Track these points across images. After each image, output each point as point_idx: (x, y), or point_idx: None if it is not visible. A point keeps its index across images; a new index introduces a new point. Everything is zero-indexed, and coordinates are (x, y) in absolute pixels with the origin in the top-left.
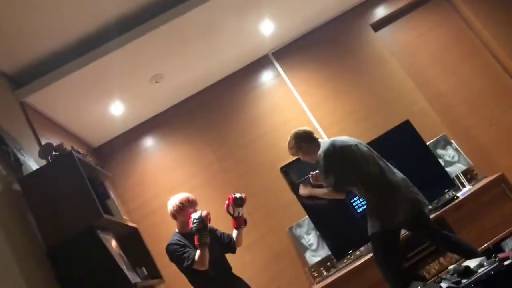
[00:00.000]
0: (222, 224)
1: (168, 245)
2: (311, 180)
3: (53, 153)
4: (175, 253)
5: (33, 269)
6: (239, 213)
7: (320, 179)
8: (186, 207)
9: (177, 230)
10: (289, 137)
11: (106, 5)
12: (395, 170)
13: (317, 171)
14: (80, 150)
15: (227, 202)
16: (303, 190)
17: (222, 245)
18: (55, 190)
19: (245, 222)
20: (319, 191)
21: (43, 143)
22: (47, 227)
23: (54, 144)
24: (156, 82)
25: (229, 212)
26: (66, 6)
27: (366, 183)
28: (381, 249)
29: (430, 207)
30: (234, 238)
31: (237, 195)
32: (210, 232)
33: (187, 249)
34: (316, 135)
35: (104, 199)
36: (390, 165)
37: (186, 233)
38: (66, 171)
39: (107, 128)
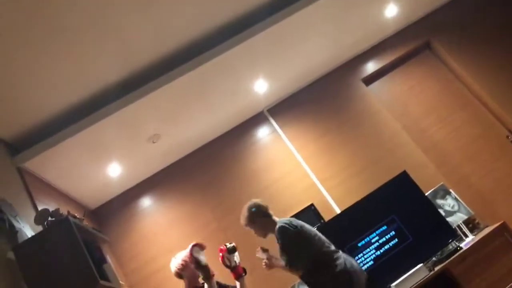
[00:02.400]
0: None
1: None
2: (264, 266)
3: (49, 218)
4: None
5: None
6: (235, 262)
7: (272, 263)
8: (190, 263)
9: None
10: (244, 209)
11: (103, 71)
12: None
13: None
14: (76, 214)
15: (220, 254)
16: (261, 256)
17: None
18: (50, 257)
19: (244, 270)
20: (277, 263)
21: (39, 208)
22: None
23: (51, 210)
24: (153, 142)
25: (225, 264)
26: (63, 73)
27: (321, 265)
28: None
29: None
30: None
31: (227, 244)
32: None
33: None
34: (270, 212)
35: (101, 263)
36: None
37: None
38: (62, 237)
39: (104, 190)
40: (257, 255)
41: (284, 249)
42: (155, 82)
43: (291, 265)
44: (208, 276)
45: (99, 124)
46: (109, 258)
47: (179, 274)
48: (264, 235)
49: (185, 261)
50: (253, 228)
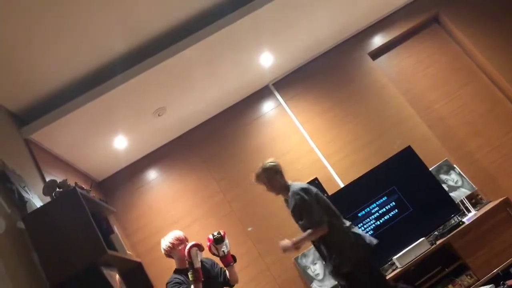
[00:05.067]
0: None
1: (167, 284)
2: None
3: (57, 189)
4: None
5: None
6: (223, 251)
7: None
8: (176, 245)
9: (176, 267)
10: (259, 168)
11: (110, 42)
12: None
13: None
14: (84, 186)
15: (208, 243)
16: (285, 247)
17: (222, 281)
18: (59, 227)
19: (234, 258)
20: (302, 237)
21: (47, 179)
22: (51, 265)
23: (58, 181)
24: (159, 115)
25: (213, 253)
26: (70, 45)
27: (336, 223)
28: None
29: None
30: (228, 277)
31: (215, 233)
32: (211, 267)
33: (183, 286)
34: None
35: (108, 234)
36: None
37: (185, 269)
38: (70, 208)
39: (110, 162)
40: (283, 249)
41: (306, 209)
42: (160, 55)
43: (318, 221)
44: (197, 279)
45: (105, 96)
46: (116, 229)
47: (168, 255)
48: (276, 193)
49: (172, 243)
50: (266, 185)
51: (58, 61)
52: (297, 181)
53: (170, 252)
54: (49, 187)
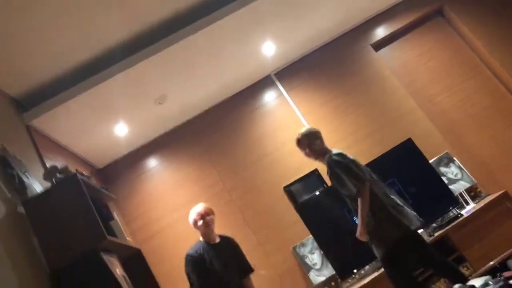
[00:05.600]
0: None
1: (186, 255)
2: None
3: (58, 175)
4: (187, 268)
5: None
6: None
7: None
8: (197, 220)
9: (201, 239)
10: (302, 132)
11: (111, 29)
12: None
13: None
14: (84, 172)
15: None
16: (361, 236)
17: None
18: (59, 212)
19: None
20: (360, 217)
21: (47, 165)
22: (51, 250)
23: (59, 167)
24: (160, 103)
25: None
26: (72, 31)
27: (375, 190)
28: (394, 269)
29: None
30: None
31: None
32: (232, 252)
33: (193, 274)
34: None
35: (108, 220)
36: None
37: (208, 242)
38: (70, 193)
39: (111, 149)
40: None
41: (344, 172)
42: (162, 42)
43: (359, 182)
44: None
45: (106, 83)
46: (115, 216)
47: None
48: (315, 158)
49: (194, 219)
50: (306, 149)
51: (59, 47)
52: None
53: (194, 226)
54: (50, 172)
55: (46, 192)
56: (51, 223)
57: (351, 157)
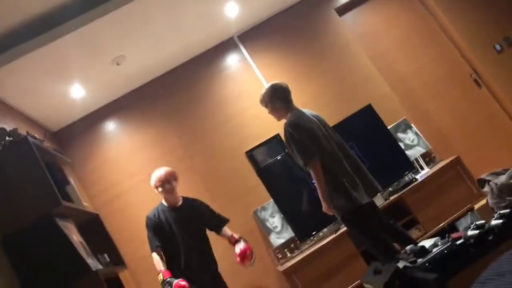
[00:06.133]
0: None
1: (146, 217)
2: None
3: (7, 138)
4: (147, 231)
5: None
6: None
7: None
8: (157, 187)
9: (162, 201)
10: (266, 87)
11: None
12: (354, 155)
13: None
14: (36, 135)
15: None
16: (325, 209)
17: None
18: (9, 177)
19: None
20: (319, 190)
21: None
22: (2, 216)
23: (8, 129)
24: (118, 64)
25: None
26: None
27: (328, 162)
28: (356, 226)
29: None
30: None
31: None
32: (196, 214)
33: (152, 238)
34: (290, 96)
35: (63, 185)
36: (349, 149)
37: (168, 205)
38: (21, 157)
39: (66, 112)
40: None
41: (294, 145)
42: None
43: (308, 157)
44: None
45: (60, 41)
46: (72, 180)
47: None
48: (277, 118)
49: (156, 185)
50: (267, 106)
51: (7, 1)
52: (303, 110)
53: (157, 189)
54: None
55: None
56: (1, 189)
57: (308, 124)
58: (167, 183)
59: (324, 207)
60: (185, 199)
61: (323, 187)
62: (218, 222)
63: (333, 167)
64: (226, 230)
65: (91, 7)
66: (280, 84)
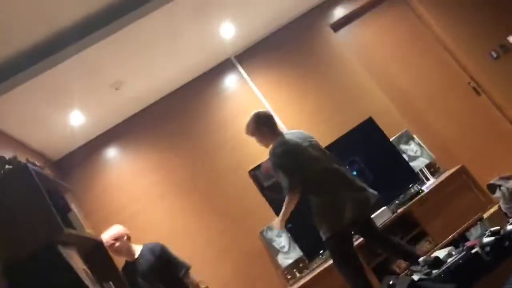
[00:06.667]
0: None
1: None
2: (262, 169)
3: (6, 166)
4: None
5: None
6: None
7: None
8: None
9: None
10: (249, 117)
11: (62, 10)
12: (346, 170)
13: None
14: (36, 162)
15: None
16: (276, 225)
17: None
18: (10, 205)
19: None
20: (282, 212)
21: None
22: (3, 245)
23: (7, 157)
24: (116, 89)
25: None
26: (18, 12)
27: (311, 186)
28: (337, 252)
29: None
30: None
31: None
32: (156, 262)
33: None
34: (275, 122)
35: (65, 212)
36: (341, 164)
37: (128, 261)
38: (22, 185)
39: (66, 140)
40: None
41: (277, 172)
42: (116, 23)
43: (289, 187)
44: None
45: (58, 68)
46: (74, 207)
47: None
48: (266, 146)
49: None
50: (256, 137)
51: (5, 29)
52: (291, 132)
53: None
54: None
55: None
56: (2, 217)
57: (290, 152)
58: (110, 249)
59: (276, 222)
60: (144, 247)
61: (285, 214)
62: (178, 270)
63: (318, 189)
64: (190, 277)
65: (88, 33)
66: (263, 111)
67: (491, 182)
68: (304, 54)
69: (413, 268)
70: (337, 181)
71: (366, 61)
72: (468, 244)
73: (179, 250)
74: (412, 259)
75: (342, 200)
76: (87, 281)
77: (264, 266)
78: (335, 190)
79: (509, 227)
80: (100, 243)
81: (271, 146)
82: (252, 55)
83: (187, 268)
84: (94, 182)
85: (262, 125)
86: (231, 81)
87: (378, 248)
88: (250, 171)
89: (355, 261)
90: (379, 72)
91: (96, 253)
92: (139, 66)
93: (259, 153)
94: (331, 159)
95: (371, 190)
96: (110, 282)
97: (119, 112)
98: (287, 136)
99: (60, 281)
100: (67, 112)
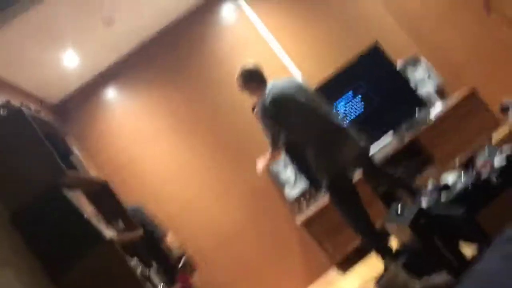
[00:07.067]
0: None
1: None
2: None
3: (0, 112)
4: None
5: None
6: None
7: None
8: None
9: None
10: (238, 71)
11: None
12: (336, 116)
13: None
14: (31, 106)
15: None
16: (258, 170)
17: None
18: (9, 151)
19: None
20: (265, 162)
21: None
22: (7, 192)
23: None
24: (108, 25)
25: None
26: None
27: (301, 135)
28: (338, 197)
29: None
30: None
31: None
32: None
33: None
34: (264, 74)
35: (67, 155)
36: (330, 111)
37: None
38: (18, 129)
39: (62, 82)
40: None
41: (267, 130)
42: None
43: (271, 143)
44: None
45: (45, 3)
46: (76, 150)
47: None
48: (258, 99)
49: None
50: (245, 91)
51: None
52: (279, 81)
53: None
54: None
55: None
56: (2, 165)
57: (274, 107)
58: None
59: (258, 166)
60: None
61: (267, 165)
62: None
63: (308, 139)
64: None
65: None
66: (248, 66)
67: (503, 102)
68: None
69: (422, 193)
70: (327, 129)
71: None
72: (479, 166)
73: (185, 188)
74: (412, 194)
75: (334, 148)
76: (94, 221)
77: (271, 199)
78: (326, 139)
79: None
80: (105, 184)
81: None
82: None
83: (163, 234)
84: (95, 123)
85: (250, 80)
86: (228, 11)
87: (377, 184)
88: (253, 108)
89: (357, 208)
90: None
91: (102, 194)
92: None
93: None
94: (321, 105)
95: (361, 138)
96: (119, 221)
97: (114, 50)
98: (273, 87)
99: (68, 223)
100: (60, 52)
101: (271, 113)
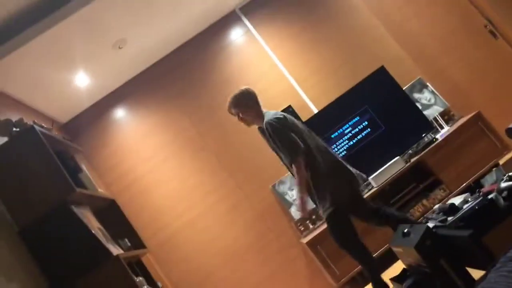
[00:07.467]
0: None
1: None
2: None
3: (14, 129)
4: None
5: (5, 253)
6: None
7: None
8: None
9: None
10: (234, 93)
11: None
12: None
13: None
14: (43, 124)
15: None
16: (301, 212)
17: None
18: (20, 167)
19: None
20: (297, 188)
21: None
22: (17, 207)
23: (14, 120)
24: (120, 48)
25: None
26: None
27: (311, 158)
28: (338, 227)
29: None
30: None
31: None
32: None
33: None
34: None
35: (76, 173)
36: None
37: None
38: (30, 147)
39: (73, 102)
40: (303, 213)
41: (280, 138)
42: None
43: (295, 149)
44: None
45: (60, 26)
46: (84, 168)
47: None
48: (248, 124)
49: None
50: (237, 115)
51: None
52: (272, 110)
53: None
54: (3, 126)
55: (3, 148)
56: (13, 180)
57: (290, 120)
58: None
59: (298, 208)
60: None
61: (302, 190)
62: None
63: (316, 164)
64: None
65: None
66: (244, 89)
67: (510, 126)
68: (311, 2)
69: (428, 216)
70: (329, 159)
71: (375, 7)
72: (484, 189)
73: (190, 208)
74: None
75: (344, 179)
76: (102, 239)
77: (276, 220)
78: (329, 168)
79: None
80: (113, 202)
81: (257, 123)
82: (257, 5)
83: None
84: (104, 142)
85: (246, 102)
86: (236, 35)
87: (376, 224)
88: (259, 127)
89: (355, 239)
90: (390, 18)
91: (110, 212)
92: (141, 23)
93: (268, 107)
94: (317, 138)
95: (355, 170)
96: (126, 239)
97: (124, 72)
98: (276, 111)
99: (75, 239)
100: (72, 73)
101: (287, 124)
